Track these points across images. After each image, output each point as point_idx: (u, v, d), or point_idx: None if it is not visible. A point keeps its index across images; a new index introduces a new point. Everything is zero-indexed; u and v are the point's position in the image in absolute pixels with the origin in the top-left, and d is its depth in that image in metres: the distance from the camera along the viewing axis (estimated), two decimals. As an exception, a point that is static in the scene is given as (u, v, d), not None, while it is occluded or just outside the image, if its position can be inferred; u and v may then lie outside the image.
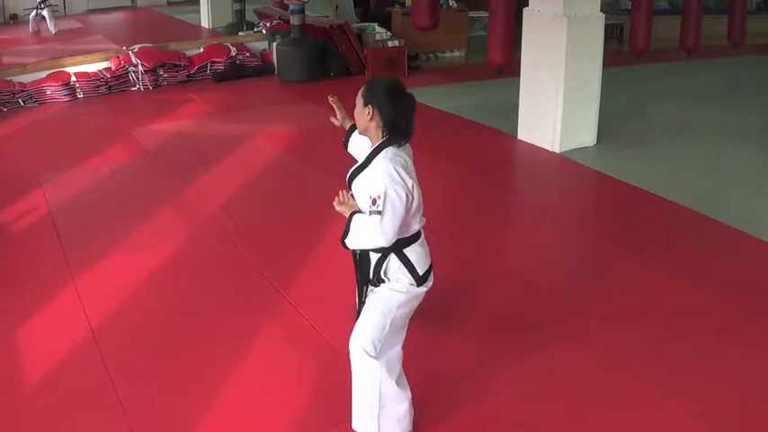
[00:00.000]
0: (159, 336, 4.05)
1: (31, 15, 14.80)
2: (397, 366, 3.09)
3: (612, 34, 12.43)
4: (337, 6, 12.19)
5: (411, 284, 3.08)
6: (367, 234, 2.94)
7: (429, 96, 9.22)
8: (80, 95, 9.70)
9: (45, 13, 14.36)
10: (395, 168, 2.91)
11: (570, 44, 6.75)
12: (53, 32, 14.14)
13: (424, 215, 3.12)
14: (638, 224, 5.43)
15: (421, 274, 3.10)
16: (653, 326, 4.03)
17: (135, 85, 10.02)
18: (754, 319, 4.08)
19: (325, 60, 10.38)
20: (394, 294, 3.06)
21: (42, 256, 5.05)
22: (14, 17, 17.09)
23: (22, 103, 9.28)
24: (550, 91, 6.96)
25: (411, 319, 3.17)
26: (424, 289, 3.14)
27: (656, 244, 5.06)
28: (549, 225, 5.50)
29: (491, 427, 3.27)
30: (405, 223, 2.96)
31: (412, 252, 3.08)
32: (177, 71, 10.31)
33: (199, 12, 15.04)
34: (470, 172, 6.57)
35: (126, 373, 3.69)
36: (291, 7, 10.37)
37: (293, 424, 3.31)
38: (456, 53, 12.01)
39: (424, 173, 6.43)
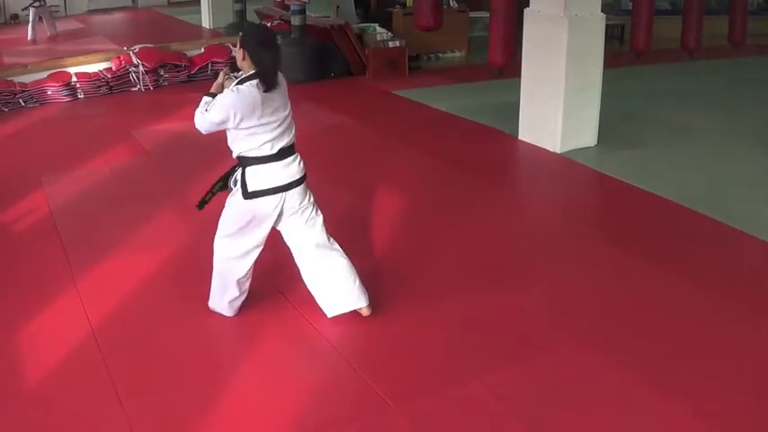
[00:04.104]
0: (160, 336, 4.05)
1: (30, 18, 14.16)
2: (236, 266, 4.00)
3: (613, 34, 12.42)
4: (338, 7, 12.19)
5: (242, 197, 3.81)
6: (197, 112, 3.82)
7: (430, 97, 9.25)
8: (81, 96, 9.70)
9: (40, 14, 14.07)
10: (233, 91, 3.67)
11: (571, 44, 6.75)
12: (48, 35, 14.02)
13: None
14: (638, 224, 5.43)
15: (251, 190, 3.78)
16: (653, 325, 4.03)
17: (136, 86, 10.02)
18: (757, 318, 4.08)
19: (326, 61, 10.38)
20: (232, 201, 3.90)
21: (43, 256, 5.05)
22: (15, 17, 17.10)
23: (22, 104, 9.28)
24: (551, 91, 6.95)
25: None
26: (252, 203, 3.80)
27: (656, 244, 5.06)
28: (549, 224, 5.49)
29: (491, 427, 3.27)
30: (237, 139, 3.75)
31: (252, 170, 3.78)
32: (178, 71, 10.31)
33: (199, 12, 15.05)
34: (471, 172, 6.57)
35: (127, 372, 3.69)
36: (292, 8, 10.37)
37: (294, 424, 3.30)
38: (457, 54, 12.01)
39: (425, 173, 6.49)
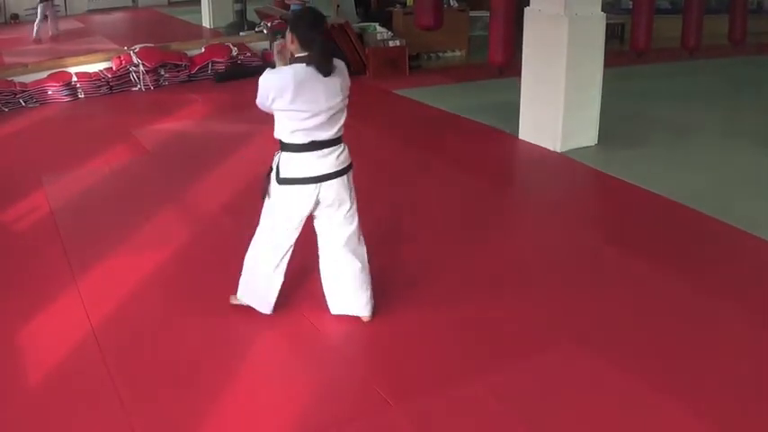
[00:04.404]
0: (160, 336, 4.05)
1: (38, 16, 14.13)
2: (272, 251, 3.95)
3: (614, 34, 12.42)
4: (338, 6, 12.19)
5: (276, 181, 3.78)
6: None
7: (430, 96, 9.25)
8: (81, 96, 9.70)
9: (47, 12, 14.07)
10: (278, 70, 3.68)
11: (571, 44, 6.75)
12: (50, 34, 14.01)
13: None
14: (639, 224, 5.43)
15: (282, 176, 3.74)
16: (653, 325, 4.03)
17: (136, 86, 10.02)
18: (757, 318, 4.08)
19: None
20: (271, 186, 3.83)
21: (44, 256, 5.05)
22: (15, 17, 17.11)
23: (23, 104, 9.28)
24: (551, 90, 6.95)
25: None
26: (286, 189, 3.76)
27: (657, 243, 5.06)
28: (549, 224, 5.50)
29: (491, 428, 3.28)
30: (276, 120, 3.73)
31: (285, 156, 3.74)
32: (178, 71, 10.31)
33: (200, 12, 15.05)
34: (471, 171, 6.57)
35: (127, 372, 3.69)
36: (292, 7, 10.41)
37: (294, 424, 3.30)
38: (457, 53, 12.01)
39: (425, 172, 6.49)
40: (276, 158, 3.81)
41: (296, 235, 3.91)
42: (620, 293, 4.40)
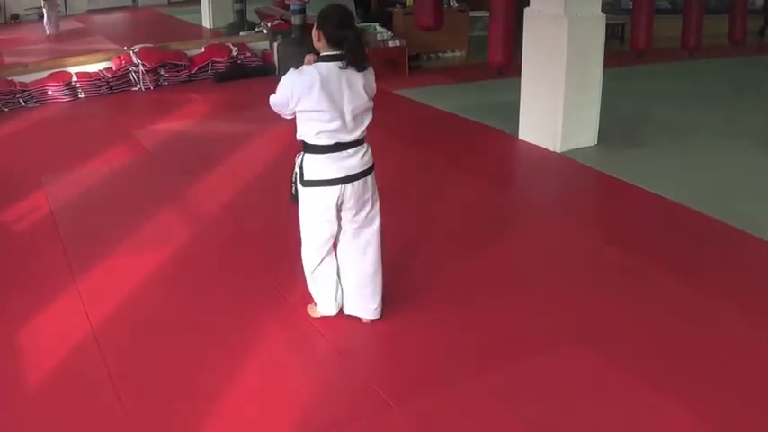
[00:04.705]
0: (161, 336, 4.05)
1: (44, 14, 14.21)
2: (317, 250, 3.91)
3: (613, 34, 12.42)
4: (338, 6, 12.17)
5: (301, 184, 3.74)
6: None
7: (430, 96, 9.25)
8: (81, 95, 9.70)
9: (49, 11, 14.08)
10: (301, 70, 3.57)
11: (571, 44, 6.75)
12: (47, 34, 14.00)
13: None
14: (638, 224, 5.43)
15: (306, 178, 3.70)
16: (653, 325, 4.03)
17: (136, 86, 10.02)
18: (757, 319, 4.08)
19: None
20: (299, 188, 3.77)
21: (44, 256, 5.05)
22: (15, 17, 17.09)
23: (23, 103, 9.28)
24: (551, 91, 6.95)
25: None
26: (310, 191, 3.72)
27: (657, 244, 5.06)
28: (549, 225, 5.50)
29: (492, 428, 3.28)
30: (299, 121, 3.65)
31: (309, 158, 3.68)
32: (178, 71, 10.31)
33: (200, 12, 15.03)
34: (471, 172, 6.57)
35: (127, 373, 3.69)
36: (292, 7, 10.37)
37: (295, 424, 3.30)
38: (457, 53, 12.01)
39: (425, 173, 6.49)
40: (299, 160, 3.75)
41: (332, 229, 3.85)
42: (619, 293, 4.40)
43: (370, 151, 3.80)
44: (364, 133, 3.74)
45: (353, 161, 3.70)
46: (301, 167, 3.72)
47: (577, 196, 6.26)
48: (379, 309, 4.04)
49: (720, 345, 3.86)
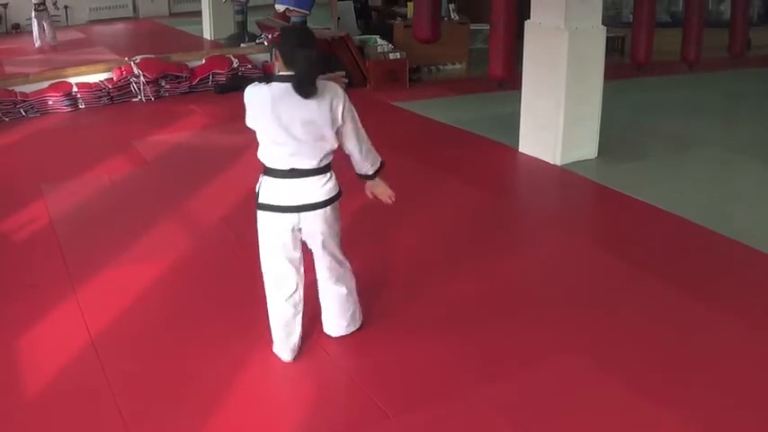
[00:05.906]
0: (159, 345, 4.04)
1: (34, 26, 14.07)
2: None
3: (614, 47, 12.46)
4: (339, 19, 12.22)
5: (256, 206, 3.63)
6: None
7: (430, 109, 9.26)
8: (82, 106, 9.70)
9: (43, 21, 13.92)
10: (256, 85, 3.51)
11: (572, 57, 6.76)
12: (47, 43, 13.98)
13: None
14: (638, 237, 5.43)
15: (259, 201, 3.60)
16: (652, 336, 4.03)
17: (137, 96, 10.03)
18: (756, 331, 4.07)
19: (327, 73, 10.37)
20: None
21: (43, 265, 5.05)
22: (17, 27, 17.14)
23: (23, 113, 9.29)
24: (552, 104, 6.96)
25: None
26: (262, 214, 3.63)
27: (656, 256, 5.05)
28: (549, 237, 5.50)
29: (492, 441, 3.27)
30: (259, 143, 3.59)
31: (264, 180, 3.61)
32: (179, 82, 10.32)
33: (201, 23, 15.08)
34: (471, 184, 6.57)
35: (126, 382, 3.68)
36: (293, 20, 10.41)
37: (293, 436, 3.30)
38: (457, 66, 12.03)
39: (425, 185, 6.48)
40: (259, 181, 3.65)
41: (288, 264, 3.65)
42: (620, 307, 4.39)
43: (333, 181, 3.60)
44: (327, 161, 3.55)
45: (310, 190, 3.52)
46: (258, 189, 3.62)
47: (577, 209, 6.26)
48: (352, 328, 4.00)
49: (719, 356, 3.85)
